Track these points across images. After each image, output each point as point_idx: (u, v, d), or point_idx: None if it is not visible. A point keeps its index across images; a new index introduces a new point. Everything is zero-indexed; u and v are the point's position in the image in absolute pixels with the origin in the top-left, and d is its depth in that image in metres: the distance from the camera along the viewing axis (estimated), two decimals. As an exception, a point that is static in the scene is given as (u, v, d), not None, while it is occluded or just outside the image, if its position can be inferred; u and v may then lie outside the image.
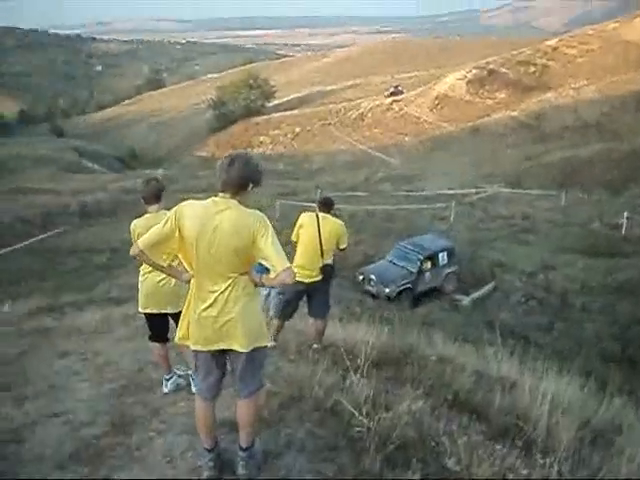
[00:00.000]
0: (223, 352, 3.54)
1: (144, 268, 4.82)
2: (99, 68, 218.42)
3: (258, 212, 3.45)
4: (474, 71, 62.10)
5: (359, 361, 5.04)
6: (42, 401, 5.13)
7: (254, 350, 3.51)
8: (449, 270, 18.69)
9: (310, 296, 6.42)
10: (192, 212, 3.41)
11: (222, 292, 3.41)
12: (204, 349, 3.50)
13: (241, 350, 3.46)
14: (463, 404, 4.98)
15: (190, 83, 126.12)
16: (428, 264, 18.28)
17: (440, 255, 18.54)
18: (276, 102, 78.87)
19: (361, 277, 18.18)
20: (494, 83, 59.35)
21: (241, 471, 3.65)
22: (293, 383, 4.93)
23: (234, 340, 3.45)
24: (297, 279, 6.20)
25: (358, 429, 4.12)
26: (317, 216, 6.28)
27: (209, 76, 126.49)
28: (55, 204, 34.73)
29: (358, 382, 4.72)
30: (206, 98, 79.79)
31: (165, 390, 5.06)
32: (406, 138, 56.16)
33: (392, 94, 67.20)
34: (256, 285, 3.55)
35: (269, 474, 3.71)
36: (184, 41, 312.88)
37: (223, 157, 3.46)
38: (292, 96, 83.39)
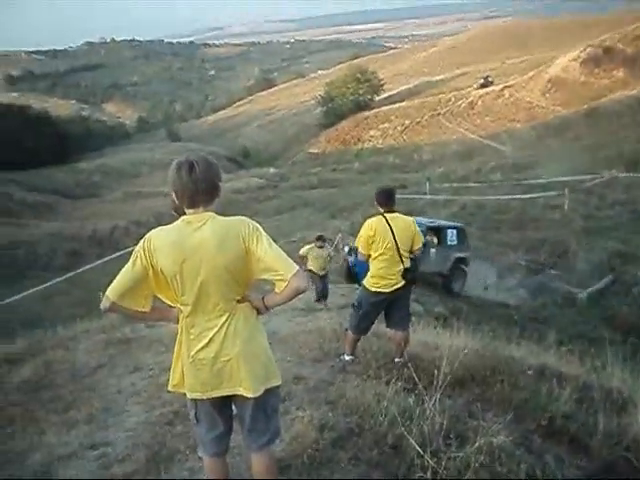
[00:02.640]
0: (227, 398, 2.91)
1: None
2: (212, 72, 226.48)
3: (242, 217, 2.82)
4: (588, 50, 58.34)
5: (438, 378, 4.21)
6: (88, 428, 4.83)
7: (264, 393, 2.87)
8: (459, 254, 15.95)
9: (389, 306, 5.71)
10: (163, 241, 2.75)
11: (219, 328, 2.80)
12: (203, 397, 2.88)
13: (248, 395, 2.83)
14: (560, 431, 4.16)
15: (300, 81, 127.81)
16: (434, 238, 15.30)
17: (449, 232, 15.90)
18: (385, 95, 78.37)
19: (347, 248, 15.62)
20: (610, 61, 55.34)
21: None
22: (354, 412, 4.25)
23: (238, 384, 2.83)
24: (376, 289, 5.61)
25: (420, 475, 3.38)
26: (385, 218, 5.53)
27: (319, 73, 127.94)
28: (168, 207, 35.67)
29: (432, 408, 3.91)
30: (315, 95, 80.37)
31: None
32: (518, 125, 53.85)
33: (482, 86, 65.19)
34: (259, 312, 2.93)
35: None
36: (293, 40, 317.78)
37: (171, 169, 2.76)
38: (401, 88, 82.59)
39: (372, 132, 67.02)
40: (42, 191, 43.13)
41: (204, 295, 2.75)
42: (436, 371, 4.10)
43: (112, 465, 4.00)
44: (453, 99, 66.41)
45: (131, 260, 2.76)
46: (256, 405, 2.88)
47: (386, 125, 67.21)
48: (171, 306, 2.93)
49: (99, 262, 24.95)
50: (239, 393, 2.83)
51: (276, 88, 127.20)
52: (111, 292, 2.73)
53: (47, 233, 30.19)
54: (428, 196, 28.81)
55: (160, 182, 47.71)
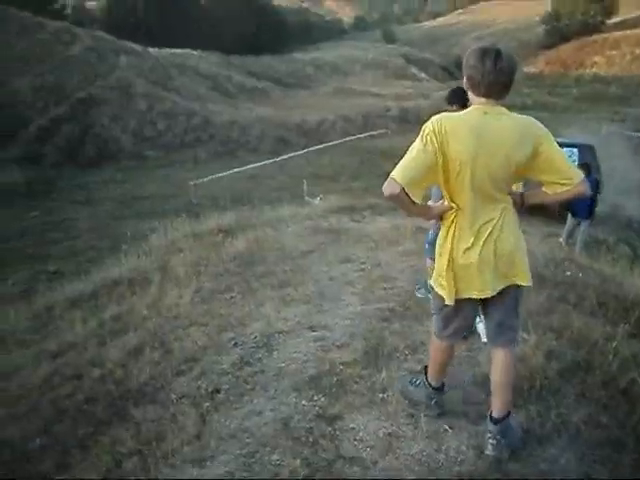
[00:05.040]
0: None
1: None
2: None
3: (531, 117, 2.75)
4: None
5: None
6: (305, 308, 4.96)
7: (518, 291, 2.87)
8: None
9: None
10: (459, 126, 2.61)
11: (497, 221, 2.73)
12: (476, 296, 2.81)
13: (524, 284, 2.82)
14: None
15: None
16: None
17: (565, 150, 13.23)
18: (617, 19, 71.06)
19: None
20: None
21: (489, 450, 2.89)
22: (582, 345, 3.97)
23: (515, 274, 2.79)
24: None
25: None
26: None
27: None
28: (377, 107, 35.72)
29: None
30: (541, 12, 74.93)
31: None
32: None
33: None
34: (519, 207, 2.88)
35: (522, 464, 2.87)
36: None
37: (473, 53, 2.64)
38: (637, 13, 74.46)
39: (597, 58, 61.46)
40: (258, 77, 44.63)
41: (487, 186, 2.68)
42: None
43: (331, 350, 4.08)
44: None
45: (420, 144, 2.63)
46: (510, 300, 2.87)
47: (614, 52, 61.23)
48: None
49: (304, 151, 25.70)
50: (515, 283, 2.82)
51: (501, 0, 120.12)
52: (400, 176, 2.57)
53: (259, 117, 31.33)
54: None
55: (371, 81, 47.74)
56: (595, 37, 66.09)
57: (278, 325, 4.56)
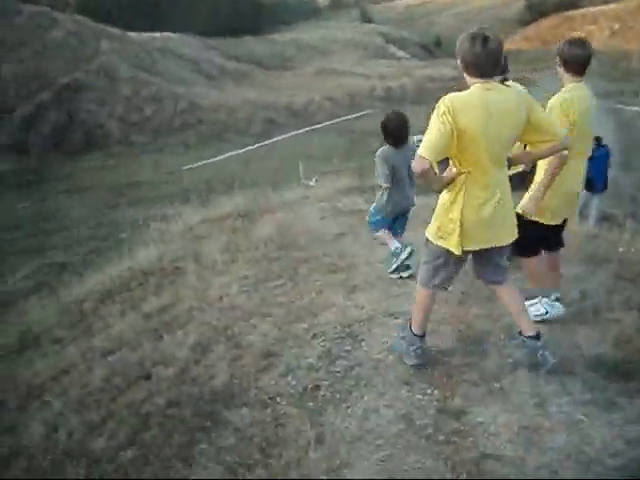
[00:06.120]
0: None
1: None
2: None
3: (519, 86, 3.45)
4: None
5: None
6: (374, 294, 4.71)
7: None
8: None
9: None
10: (468, 103, 3.01)
11: (502, 182, 3.22)
12: (476, 248, 3.26)
13: (515, 236, 3.34)
14: None
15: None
16: None
17: None
18: (594, -6, 71.08)
19: None
20: None
21: (549, 361, 3.31)
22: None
23: (511, 228, 3.32)
24: None
25: None
26: None
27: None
28: (362, 87, 35.44)
29: None
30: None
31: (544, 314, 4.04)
32: None
33: None
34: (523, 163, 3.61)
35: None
36: None
37: (464, 40, 3.04)
38: (616, -12, 74.55)
39: (575, 34, 61.54)
40: (239, 60, 44.04)
41: (498, 151, 3.10)
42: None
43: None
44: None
45: (438, 122, 2.95)
46: (506, 248, 3.36)
47: (592, 27, 61.19)
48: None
49: (295, 132, 25.40)
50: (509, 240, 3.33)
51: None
52: (427, 153, 2.92)
53: (245, 100, 30.88)
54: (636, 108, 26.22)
55: (352, 61, 47.33)
56: (573, 12, 66.17)
57: (354, 313, 4.29)
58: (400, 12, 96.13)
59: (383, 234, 5.23)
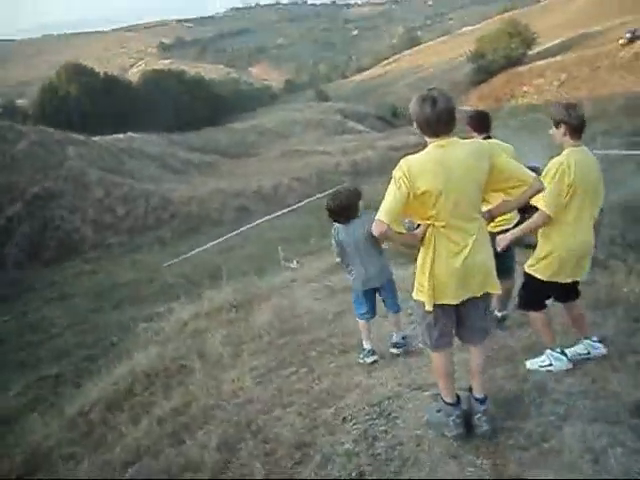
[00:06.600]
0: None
1: None
2: (355, 32, 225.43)
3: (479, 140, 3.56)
4: None
5: None
6: (395, 369, 4.67)
7: (488, 295, 3.43)
8: None
9: None
10: (424, 165, 3.11)
11: (475, 235, 3.20)
12: (454, 302, 3.27)
13: (495, 292, 3.41)
14: None
15: (446, 38, 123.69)
16: None
17: None
18: (538, 49, 74.05)
19: None
20: None
21: (485, 426, 3.38)
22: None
23: (487, 284, 3.31)
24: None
25: None
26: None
27: (464, 29, 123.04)
28: (327, 164, 35.99)
29: None
30: (464, 51, 77.65)
31: (548, 365, 4.08)
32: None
33: (630, 41, 58.35)
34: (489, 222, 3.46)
35: None
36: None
37: (414, 103, 3.15)
38: (555, 41, 77.72)
39: (526, 88, 63.54)
40: (203, 151, 44.61)
41: (462, 206, 3.13)
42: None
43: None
44: (614, 51, 61.53)
45: (394, 186, 3.09)
46: (483, 306, 3.41)
47: (541, 81, 63.53)
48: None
49: (268, 217, 25.52)
50: (489, 292, 3.36)
51: (422, 46, 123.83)
52: (385, 216, 3.05)
53: (215, 190, 31.14)
54: (599, 151, 26.81)
55: (314, 140, 48.21)
56: (520, 68, 68.57)
57: (379, 391, 4.21)
58: (354, 87, 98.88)
59: (362, 326, 5.21)
